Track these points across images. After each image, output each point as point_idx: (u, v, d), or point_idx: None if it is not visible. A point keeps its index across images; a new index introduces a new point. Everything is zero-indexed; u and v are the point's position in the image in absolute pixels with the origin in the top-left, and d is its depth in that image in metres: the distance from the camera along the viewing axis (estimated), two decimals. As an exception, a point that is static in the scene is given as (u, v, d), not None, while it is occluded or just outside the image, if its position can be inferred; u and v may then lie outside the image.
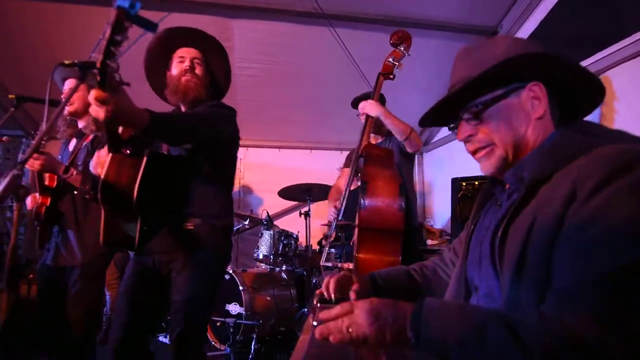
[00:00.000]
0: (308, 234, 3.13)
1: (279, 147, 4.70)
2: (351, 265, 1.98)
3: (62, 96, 2.11)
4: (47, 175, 2.00)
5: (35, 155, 1.83)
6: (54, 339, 2.01)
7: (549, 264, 0.66)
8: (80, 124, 2.19)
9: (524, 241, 0.71)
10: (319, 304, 1.07)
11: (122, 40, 1.02)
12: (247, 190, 4.68)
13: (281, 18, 3.19)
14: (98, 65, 1.04)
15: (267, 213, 3.33)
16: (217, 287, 1.62)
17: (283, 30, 3.29)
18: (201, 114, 1.53)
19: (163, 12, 3.06)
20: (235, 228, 3.58)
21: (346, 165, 2.74)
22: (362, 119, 2.20)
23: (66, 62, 1.32)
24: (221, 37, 3.18)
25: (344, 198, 2.12)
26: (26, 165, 1.86)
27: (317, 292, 1.16)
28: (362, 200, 1.86)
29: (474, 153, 0.90)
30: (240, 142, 5.16)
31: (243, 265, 4.22)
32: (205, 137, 1.51)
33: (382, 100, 2.38)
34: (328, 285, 1.14)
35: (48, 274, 2.05)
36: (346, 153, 4.79)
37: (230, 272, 2.99)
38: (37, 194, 2.05)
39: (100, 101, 1.09)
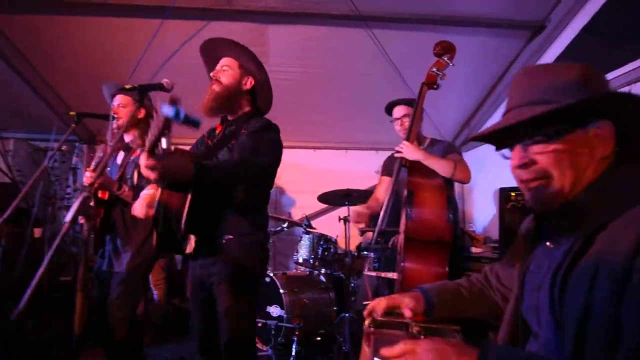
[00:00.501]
0: (347, 239, 3.13)
1: (314, 148, 4.71)
2: (395, 275, 1.97)
3: (111, 112, 2.22)
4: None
5: (92, 174, 1.95)
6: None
7: (617, 317, 0.66)
8: (127, 138, 2.29)
9: (587, 293, 0.70)
10: (372, 328, 1.07)
11: (168, 133, 1.16)
12: (282, 190, 4.74)
13: (316, 22, 3.18)
14: (147, 149, 1.19)
15: (306, 217, 3.36)
16: (253, 299, 1.67)
17: (318, 34, 3.28)
18: (243, 154, 1.53)
19: (203, 21, 3.14)
20: (272, 229, 3.65)
21: (384, 172, 2.69)
22: (397, 156, 2.13)
23: (127, 86, 1.41)
24: (257, 43, 3.33)
25: (386, 209, 2.09)
26: (84, 182, 1.98)
27: (366, 313, 1.16)
28: (408, 211, 1.83)
29: (525, 182, 0.86)
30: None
31: (281, 266, 4.29)
32: (249, 177, 1.53)
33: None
34: (377, 306, 1.15)
35: (103, 278, 2.18)
36: (382, 153, 4.81)
37: (271, 274, 3.05)
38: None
39: (150, 168, 1.22)
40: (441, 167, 2.09)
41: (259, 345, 2.98)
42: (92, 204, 2.15)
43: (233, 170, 1.48)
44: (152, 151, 1.16)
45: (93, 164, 1.99)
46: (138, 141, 2.25)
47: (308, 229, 3.34)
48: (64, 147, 2.65)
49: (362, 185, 4.58)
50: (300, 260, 3.27)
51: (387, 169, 2.66)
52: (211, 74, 1.72)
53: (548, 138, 0.81)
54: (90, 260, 2.65)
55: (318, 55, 3.47)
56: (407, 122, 2.29)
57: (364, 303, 1.19)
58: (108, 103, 2.30)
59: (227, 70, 1.71)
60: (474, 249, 3.20)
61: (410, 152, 2.09)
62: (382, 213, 2.06)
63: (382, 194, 2.57)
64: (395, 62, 3.45)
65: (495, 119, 4.12)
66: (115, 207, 2.15)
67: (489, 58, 3.49)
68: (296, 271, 3.35)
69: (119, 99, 2.26)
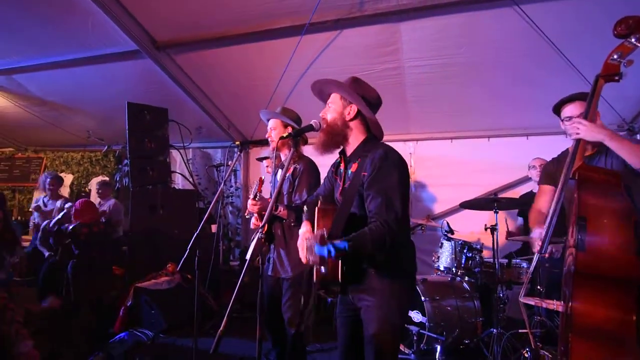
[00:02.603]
0: (495, 249, 2.85)
1: (451, 138, 4.41)
2: (559, 306, 1.72)
3: (266, 135, 2.50)
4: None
5: (253, 202, 2.25)
6: (275, 331, 2.50)
7: None
8: (283, 157, 2.55)
9: None
10: None
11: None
12: (418, 185, 4.61)
13: (451, 10, 2.91)
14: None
15: (447, 224, 3.21)
16: (398, 329, 1.66)
17: (457, 22, 3.00)
18: (381, 215, 1.51)
19: (335, 31, 3.23)
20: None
21: (545, 180, 2.30)
22: (573, 138, 1.78)
23: (284, 135, 1.69)
24: (387, 43, 3.27)
25: (549, 227, 1.82)
26: (249, 209, 2.30)
27: None
28: (579, 238, 1.55)
29: None
30: (410, 136, 5.08)
31: (418, 268, 4.22)
32: (395, 234, 1.50)
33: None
34: None
35: (268, 281, 2.54)
36: (534, 140, 4.25)
37: (411, 279, 3.03)
38: (256, 217, 2.53)
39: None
40: (632, 152, 1.64)
41: (401, 348, 3.04)
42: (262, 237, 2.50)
43: (379, 240, 1.50)
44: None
45: (252, 193, 2.30)
46: (291, 158, 2.48)
47: (449, 236, 3.19)
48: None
49: (510, 177, 4.16)
50: (442, 268, 3.14)
51: (549, 176, 2.25)
52: (320, 114, 1.77)
53: None
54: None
55: (455, 43, 3.19)
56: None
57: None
58: (265, 125, 2.60)
59: (331, 106, 1.74)
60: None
61: (590, 131, 1.67)
62: (547, 231, 1.79)
63: (546, 205, 2.24)
64: (550, 38, 2.90)
65: None
66: (275, 221, 2.46)
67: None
68: (436, 276, 3.25)
69: (271, 123, 2.53)
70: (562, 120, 2.02)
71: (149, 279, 3.56)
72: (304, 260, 1.51)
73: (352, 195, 1.63)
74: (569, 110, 1.98)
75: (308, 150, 2.53)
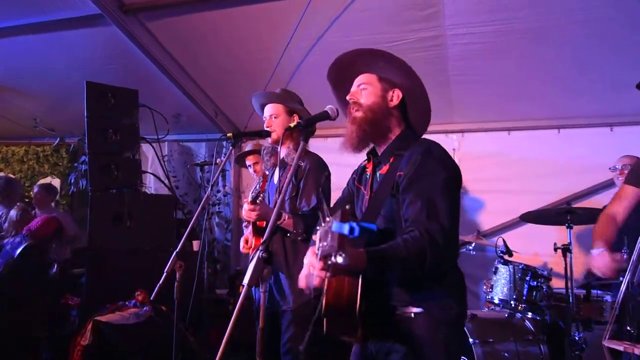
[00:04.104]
0: (569, 277, 2.84)
1: (509, 129, 4.41)
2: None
3: (265, 125, 2.52)
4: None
5: (251, 206, 2.25)
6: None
7: None
8: (282, 153, 2.55)
9: None
10: None
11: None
12: (464, 191, 4.58)
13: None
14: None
15: (504, 241, 3.19)
16: None
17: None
18: (420, 224, 1.45)
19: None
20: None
21: (632, 180, 2.30)
22: None
23: (291, 125, 1.65)
24: (425, 3, 3.27)
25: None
26: (244, 217, 2.33)
27: None
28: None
29: None
30: (453, 127, 5.08)
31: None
32: (438, 247, 1.42)
33: None
34: None
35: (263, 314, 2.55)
36: (620, 130, 4.20)
37: (455, 315, 3.02)
38: (249, 236, 2.55)
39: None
40: None
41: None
42: (249, 236, 2.51)
43: (418, 254, 1.41)
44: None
45: (251, 195, 2.31)
46: (293, 154, 2.49)
47: (506, 258, 3.17)
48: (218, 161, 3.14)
49: (588, 181, 4.11)
50: (496, 300, 3.14)
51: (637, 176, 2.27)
52: (347, 98, 1.73)
53: None
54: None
55: (514, 3, 3.18)
56: None
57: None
58: (260, 116, 2.62)
59: (366, 88, 1.71)
60: None
61: None
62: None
63: (623, 212, 2.23)
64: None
65: None
66: (274, 235, 2.46)
67: None
68: (489, 312, 3.23)
69: (270, 109, 2.53)
70: None
71: (113, 311, 3.59)
72: (303, 285, 1.49)
73: (381, 202, 1.61)
74: None
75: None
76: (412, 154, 1.58)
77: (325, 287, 1.40)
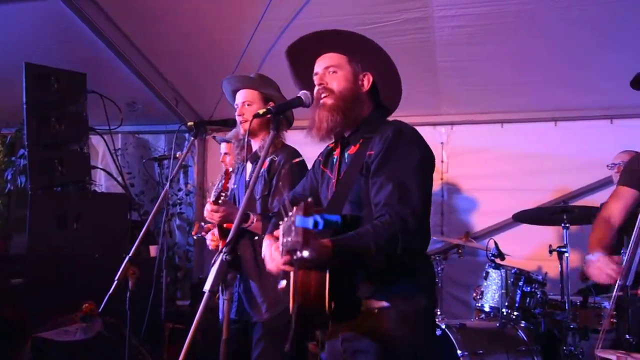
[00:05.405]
0: (564, 279, 2.91)
1: (502, 122, 4.50)
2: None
3: (236, 113, 2.51)
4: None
5: (213, 207, 2.24)
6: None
7: None
8: (255, 145, 2.55)
9: None
10: None
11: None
12: (452, 189, 4.66)
13: None
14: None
15: (496, 243, 3.25)
16: None
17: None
18: (392, 208, 1.51)
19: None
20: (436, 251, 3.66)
21: (625, 181, 2.38)
22: None
23: (260, 111, 1.69)
24: None
25: (636, 247, 1.87)
26: (206, 217, 2.31)
27: None
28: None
29: None
30: (441, 119, 5.15)
31: (453, 311, 4.22)
32: (408, 234, 1.49)
33: None
34: None
35: (232, 328, 2.54)
36: (620, 123, 4.32)
37: (442, 326, 3.06)
38: (215, 231, 2.54)
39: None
40: None
41: None
42: (216, 232, 2.50)
43: (389, 240, 1.48)
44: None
45: (213, 194, 2.29)
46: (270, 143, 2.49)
47: (497, 262, 3.22)
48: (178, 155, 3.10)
49: (586, 177, 4.22)
50: (487, 308, 3.19)
51: (634, 175, 2.35)
52: (316, 81, 1.75)
53: None
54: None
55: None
56: None
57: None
58: (230, 102, 2.60)
59: (336, 71, 1.75)
60: None
61: None
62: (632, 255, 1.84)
63: (618, 215, 2.32)
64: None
65: None
66: (242, 238, 2.45)
67: None
68: (479, 321, 3.29)
69: (243, 95, 2.51)
70: None
71: (55, 326, 3.53)
72: (271, 267, 1.57)
73: (349, 186, 1.66)
74: None
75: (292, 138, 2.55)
76: (383, 134, 1.64)
77: (292, 282, 1.45)
